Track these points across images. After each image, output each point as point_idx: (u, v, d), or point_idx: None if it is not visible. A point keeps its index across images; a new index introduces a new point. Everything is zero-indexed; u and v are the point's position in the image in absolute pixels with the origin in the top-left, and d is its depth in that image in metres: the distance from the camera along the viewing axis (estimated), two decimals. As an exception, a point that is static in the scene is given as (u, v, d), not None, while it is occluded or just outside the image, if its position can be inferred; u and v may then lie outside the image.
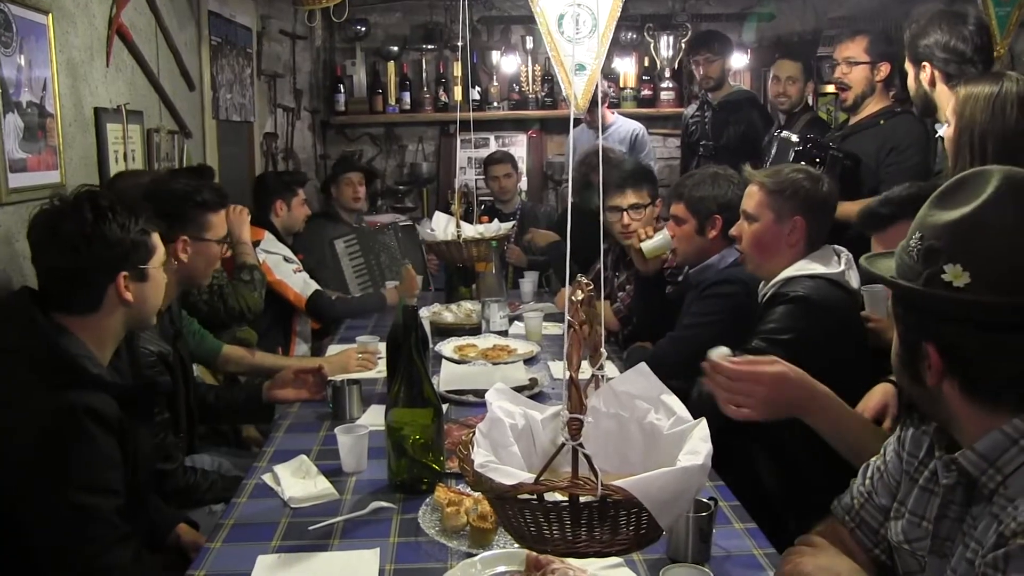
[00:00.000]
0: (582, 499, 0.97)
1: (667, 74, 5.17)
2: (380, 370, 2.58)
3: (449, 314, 3.25)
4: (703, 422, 1.11)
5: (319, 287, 3.48)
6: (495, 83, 5.20)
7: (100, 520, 1.49)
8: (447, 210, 3.55)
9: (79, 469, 1.47)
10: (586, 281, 1.04)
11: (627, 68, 5.25)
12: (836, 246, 2.11)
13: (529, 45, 5.19)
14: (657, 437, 1.15)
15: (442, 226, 3.15)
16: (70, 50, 2.48)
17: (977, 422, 1.03)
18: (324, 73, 5.22)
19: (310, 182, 4.57)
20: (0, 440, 1.47)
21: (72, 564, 1.47)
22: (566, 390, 0.96)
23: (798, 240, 2.07)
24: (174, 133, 3.26)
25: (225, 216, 2.36)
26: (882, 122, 2.98)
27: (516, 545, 1.25)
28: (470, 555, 1.47)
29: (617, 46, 5.07)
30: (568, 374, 0.97)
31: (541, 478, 0.98)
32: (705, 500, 1.49)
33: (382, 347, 2.54)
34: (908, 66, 2.39)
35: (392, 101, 5.15)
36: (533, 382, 2.43)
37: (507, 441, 1.11)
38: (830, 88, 4.33)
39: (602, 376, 1.15)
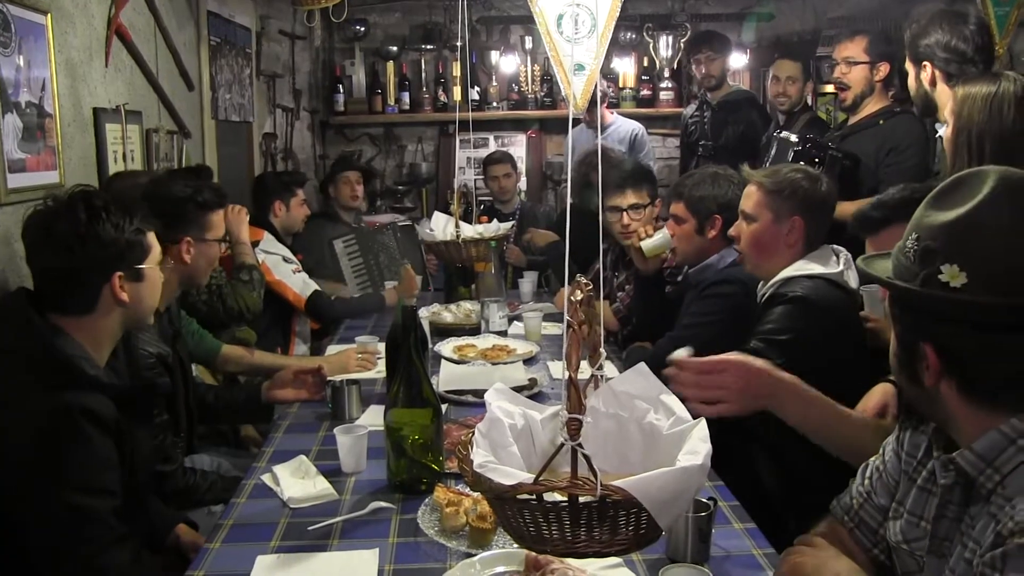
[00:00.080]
0: (581, 499, 0.97)
1: (666, 74, 5.17)
2: (379, 370, 2.58)
3: (448, 314, 3.25)
4: (702, 422, 1.11)
5: (318, 287, 3.48)
6: (494, 83, 5.19)
7: (97, 521, 1.48)
8: (446, 210, 3.54)
9: (75, 470, 1.47)
10: (585, 281, 1.04)
11: (626, 68, 5.24)
12: (835, 246, 2.11)
13: (528, 45, 5.19)
14: (656, 437, 1.15)
15: (441, 226, 3.15)
16: (69, 50, 2.48)
17: (975, 422, 1.03)
18: (323, 73, 5.21)
19: (309, 182, 4.56)
20: (-3, 441, 1.47)
21: (69, 565, 1.47)
22: (565, 390, 0.96)
23: (797, 240, 2.07)
24: (173, 133, 3.26)
25: (224, 216, 2.36)
26: (881, 122, 2.98)
27: (515, 545, 1.24)
28: (469, 555, 1.47)
29: (616, 46, 5.06)
30: (567, 374, 0.97)
31: (540, 478, 0.98)
32: (704, 500, 1.49)
33: (381, 347, 2.53)
34: (909, 66, 2.39)
35: (391, 101, 5.15)
36: (532, 382, 2.43)
37: (506, 441, 1.11)
38: (829, 88, 4.33)
39: (601, 376, 1.15)
